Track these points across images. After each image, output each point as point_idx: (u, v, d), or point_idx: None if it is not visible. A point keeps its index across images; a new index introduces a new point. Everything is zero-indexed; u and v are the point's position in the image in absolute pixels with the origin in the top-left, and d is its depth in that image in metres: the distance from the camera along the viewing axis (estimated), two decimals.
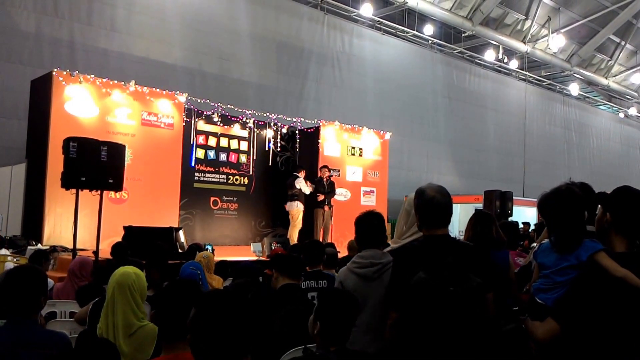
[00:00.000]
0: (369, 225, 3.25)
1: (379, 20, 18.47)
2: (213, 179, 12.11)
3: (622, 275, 2.23)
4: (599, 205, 2.57)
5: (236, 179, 12.49)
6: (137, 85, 10.16)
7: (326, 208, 11.14)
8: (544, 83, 25.07)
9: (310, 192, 11.15)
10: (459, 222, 12.68)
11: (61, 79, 9.30)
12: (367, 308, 3.03)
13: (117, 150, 7.42)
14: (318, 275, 4.54)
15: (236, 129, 12.29)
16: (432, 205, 2.74)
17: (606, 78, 25.19)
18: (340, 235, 10.81)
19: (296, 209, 11.13)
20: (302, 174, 11.33)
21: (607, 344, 2.22)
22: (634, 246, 2.41)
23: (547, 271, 2.55)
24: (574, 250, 2.45)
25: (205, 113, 11.55)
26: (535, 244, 2.89)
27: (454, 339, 2.36)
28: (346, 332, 2.57)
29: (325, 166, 11.50)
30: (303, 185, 11.12)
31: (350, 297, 2.69)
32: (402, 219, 3.42)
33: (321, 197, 11.07)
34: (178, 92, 10.87)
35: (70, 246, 7.45)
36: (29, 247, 8.11)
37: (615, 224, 2.42)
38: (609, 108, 29.43)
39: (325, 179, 11.21)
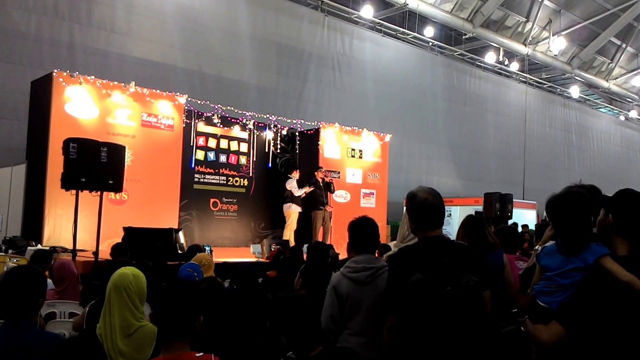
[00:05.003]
0: (361, 232, 3.28)
1: (379, 22, 18.46)
2: (213, 181, 12.10)
3: (628, 279, 2.23)
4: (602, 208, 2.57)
5: (236, 181, 12.48)
6: (137, 87, 10.15)
7: (327, 208, 11.15)
8: (544, 85, 25.07)
9: (303, 194, 11.17)
10: (459, 224, 12.66)
11: (61, 80, 9.30)
12: (362, 312, 3.06)
13: (117, 151, 7.43)
14: None
15: (236, 131, 12.29)
16: (425, 207, 2.76)
17: (607, 81, 25.18)
18: (340, 237, 10.81)
19: (287, 211, 11.17)
20: (294, 175, 11.34)
21: (612, 349, 2.22)
22: (636, 248, 2.41)
23: (551, 273, 2.54)
24: (580, 253, 2.45)
25: (205, 114, 11.54)
26: (538, 247, 2.88)
27: (453, 339, 2.36)
28: (308, 336, 2.60)
29: (319, 167, 11.51)
30: (294, 186, 11.13)
31: (297, 301, 2.72)
32: (405, 222, 3.43)
33: (308, 190, 11.09)
34: (178, 93, 10.87)
35: (70, 247, 7.45)
36: (28, 248, 8.11)
37: (617, 226, 2.43)
38: (609, 111, 29.41)
39: (321, 180, 11.21)
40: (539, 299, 2.55)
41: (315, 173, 11.32)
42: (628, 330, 2.21)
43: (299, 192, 11.15)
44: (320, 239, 10.77)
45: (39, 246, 8.38)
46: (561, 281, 2.48)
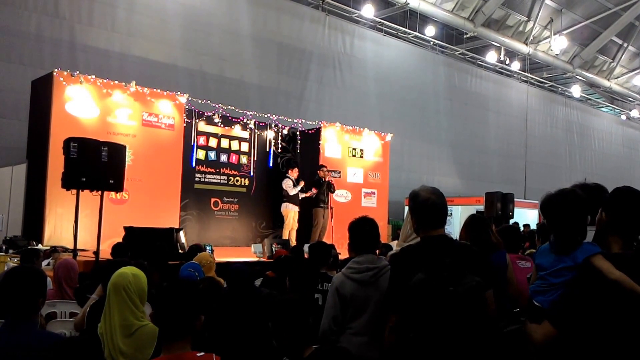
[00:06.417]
0: (361, 232, 3.28)
1: (380, 22, 18.46)
2: (214, 180, 12.09)
3: (616, 278, 2.21)
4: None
5: (237, 180, 12.47)
6: (137, 86, 10.14)
7: (330, 201, 11.16)
8: (545, 85, 25.05)
9: (297, 193, 11.17)
10: (460, 224, 12.62)
11: (62, 79, 9.29)
12: (366, 312, 3.06)
13: (117, 151, 7.42)
14: (323, 278, 4.50)
15: (237, 130, 12.27)
16: (428, 206, 2.75)
17: (608, 80, 25.16)
18: (341, 236, 10.78)
19: (284, 210, 11.20)
20: (292, 174, 11.33)
21: (602, 348, 2.20)
22: (630, 246, 2.39)
23: (544, 272, 2.54)
24: (571, 251, 2.44)
25: (206, 114, 11.52)
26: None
27: (455, 339, 2.35)
28: (298, 339, 2.60)
29: (322, 166, 11.52)
30: (289, 186, 11.13)
31: (284, 305, 2.70)
32: (407, 222, 3.42)
33: (313, 191, 11.13)
34: (179, 92, 10.85)
35: (71, 247, 7.44)
36: (29, 248, 8.09)
37: (611, 223, 2.41)
38: (610, 110, 29.39)
39: (323, 179, 11.22)
40: (534, 298, 2.55)
41: (318, 172, 11.33)
42: (618, 328, 2.19)
43: (293, 191, 11.16)
44: (317, 237, 10.77)
45: (40, 246, 8.37)
46: (553, 280, 2.47)
